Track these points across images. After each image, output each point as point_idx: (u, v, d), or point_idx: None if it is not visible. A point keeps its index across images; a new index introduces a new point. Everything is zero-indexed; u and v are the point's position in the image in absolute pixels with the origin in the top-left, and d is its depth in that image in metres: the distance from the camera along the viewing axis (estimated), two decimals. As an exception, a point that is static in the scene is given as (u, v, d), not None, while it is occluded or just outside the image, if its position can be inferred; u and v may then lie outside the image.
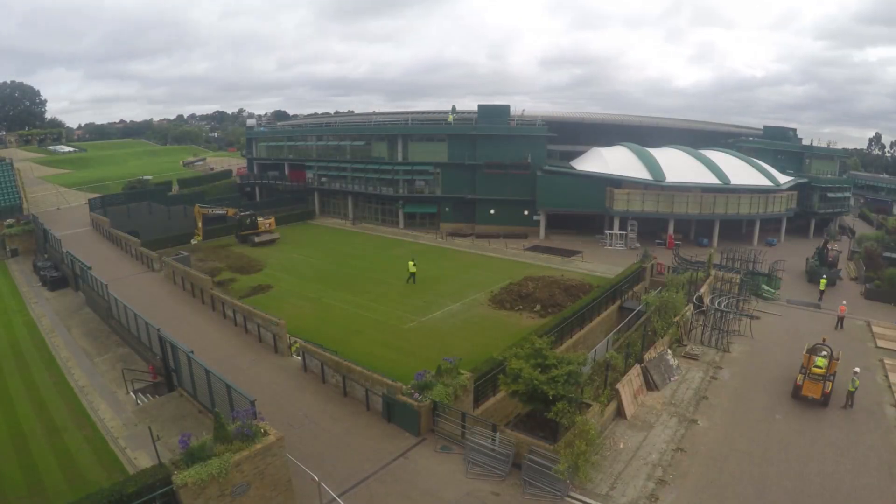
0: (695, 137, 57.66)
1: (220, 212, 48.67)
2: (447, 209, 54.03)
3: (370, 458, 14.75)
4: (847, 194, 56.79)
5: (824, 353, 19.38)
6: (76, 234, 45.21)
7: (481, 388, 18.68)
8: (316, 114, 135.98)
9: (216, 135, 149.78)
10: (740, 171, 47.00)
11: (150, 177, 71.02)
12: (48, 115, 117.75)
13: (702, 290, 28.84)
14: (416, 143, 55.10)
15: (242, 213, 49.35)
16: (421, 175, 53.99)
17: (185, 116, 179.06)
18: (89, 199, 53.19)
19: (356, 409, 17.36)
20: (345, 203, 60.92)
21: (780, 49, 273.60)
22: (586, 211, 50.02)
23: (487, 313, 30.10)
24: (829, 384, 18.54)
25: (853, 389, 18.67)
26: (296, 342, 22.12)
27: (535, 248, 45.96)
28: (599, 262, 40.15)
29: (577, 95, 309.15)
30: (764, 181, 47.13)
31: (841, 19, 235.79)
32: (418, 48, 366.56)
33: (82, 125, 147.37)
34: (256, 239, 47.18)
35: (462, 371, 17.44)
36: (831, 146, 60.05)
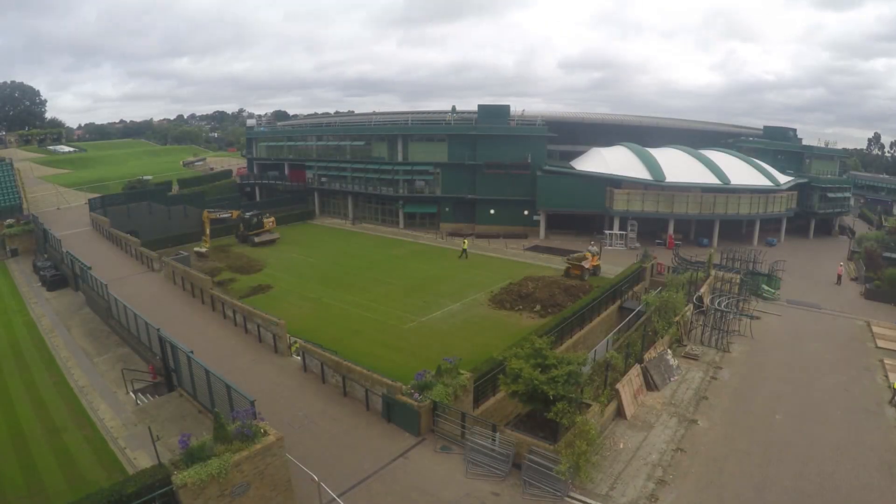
0: (695, 137, 57.66)
1: (226, 215, 48.52)
2: (447, 209, 54.04)
3: (370, 458, 14.73)
4: (847, 194, 56.79)
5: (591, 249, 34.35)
6: (76, 234, 45.18)
7: (481, 388, 18.67)
8: (316, 114, 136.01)
9: (216, 135, 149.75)
10: (740, 171, 47.01)
11: (150, 177, 71.00)
12: (73, 114, 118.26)
13: (702, 290, 28.83)
14: (416, 143, 55.12)
15: (252, 214, 49.26)
16: (421, 175, 53.99)
17: (186, 116, 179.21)
18: (89, 199, 53.12)
19: (356, 410, 17.34)
20: (345, 203, 60.92)
21: (794, 58, 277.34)
22: (586, 211, 50.03)
23: (487, 313, 30.09)
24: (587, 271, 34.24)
25: None
26: (296, 342, 22.10)
27: (535, 248, 45.95)
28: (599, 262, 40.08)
29: (591, 97, 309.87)
30: (764, 181, 47.13)
31: (855, 34, 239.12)
32: (457, 52, 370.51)
33: (82, 125, 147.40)
34: (256, 239, 47.19)
35: (462, 371, 17.42)
36: (830, 146, 60.11)
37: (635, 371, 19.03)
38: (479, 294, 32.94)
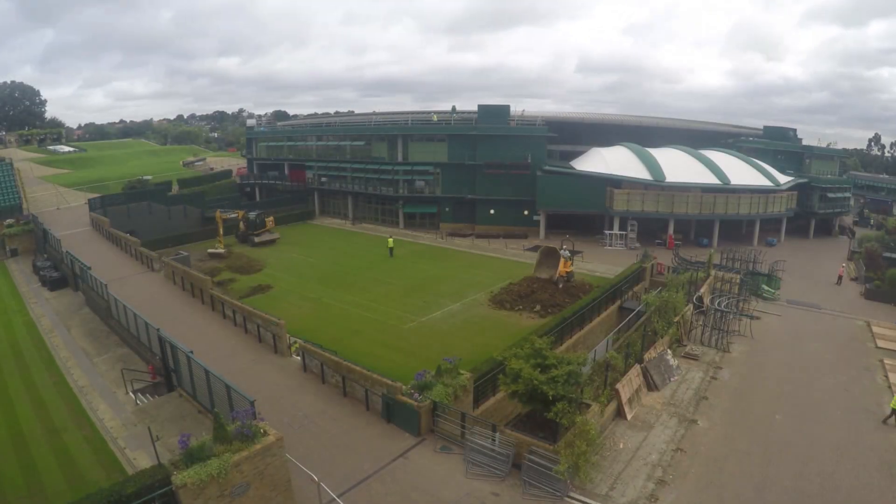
0: (695, 137, 57.65)
1: (233, 215, 48.58)
2: (447, 209, 54.02)
3: (370, 458, 14.73)
4: (847, 194, 56.80)
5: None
6: (76, 234, 45.17)
7: (481, 389, 18.66)
8: (316, 114, 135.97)
9: (216, 135, 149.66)
10: (740, 172, 47.02)
11: (150, 177, 70.95)
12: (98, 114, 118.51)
13: (702, 291, 28.83)
14: (416, 143, 55.11)
15: (258, 213, 49.22)
16: (421, 175, 53.98)
17: (185, 116, 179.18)
18: (89, 199, 53.09)
19: (356, 410, 17.34)
20: (345, 203, 60.91)
21: (803, 65, 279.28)
22: (586, 211, 50.01)
23: (487, 313, 30.08)
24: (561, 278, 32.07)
25: None
26: (295, 342, 22.10)
27: (536, 248, 45.87)
28: (599, 262, 40.13)
29: (601, 99, 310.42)
30: (764, 181, 47.14)
31: (861, 46, 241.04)
32: (492, 56, 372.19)
33: (82, 125, 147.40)
34: (256, 239, 47.16)
35: (462, 371, 17.42)
36: (830, 146, 60.12)
37: (635, 371, 19.03)
38: (479, 294, 32.93)
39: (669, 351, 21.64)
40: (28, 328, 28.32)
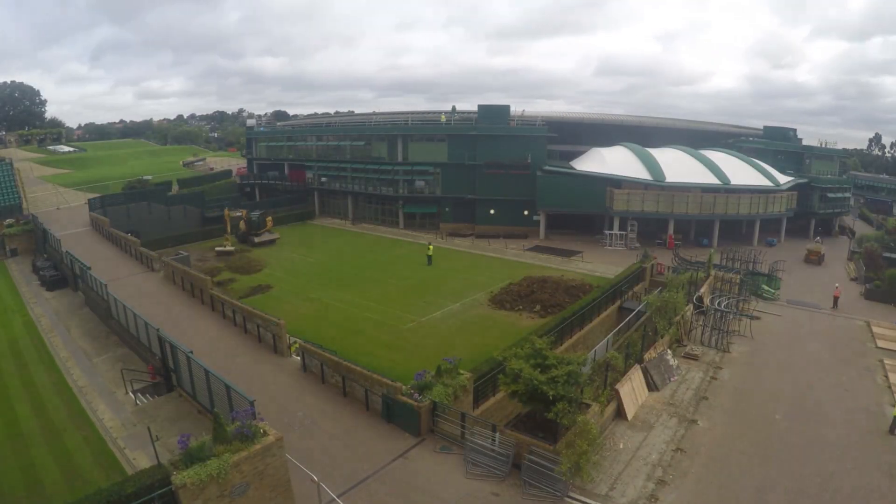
0: (695, 137, 57.66)
1: (238, 214, 48.70)
2: (447, 209, 54.01)
3: (370, 458, 14.72)
4: (847, 194, 56.77)
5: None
6: (76, 233, 45.13)
7: (481, 389, 18.66)
8: (316, 114, 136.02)
9: (216, 135, 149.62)
10: (740, 172, 47.02)
11: (150, 177, 70.97)
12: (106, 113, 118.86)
13: (702, 291, 28.82)
14: (416, 143, 55.10)
15: (261, 213, 49.28)
16: (421, 175, 53.98)
17: (186, 116, 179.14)
18: (89, 199, 53.03)
19: (356, 410, 17.33)
20: (345, 203, 60.90)
21: (811, 71, 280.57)
22: (586, 211, 49.99)
23: (487, 313, 30.07)
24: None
25: None
26: (295, 342, 22.08)
27: (535, 249, 45.94)
28: (599, 262, 40.15)
29: (612, 100, 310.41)
30: (764, 181, 47.13)
31: (872, 56, 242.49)
32: (523, 59, 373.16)
33: (82, 125, 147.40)
34: (256, 239, 47.16)
35: (462, 371, 17.42)
36: (830, 146, 60.04)
37: (635, 371, 19.02)
38: (479, 294, 32.92)
39: (669, 351, 21.63)
40: (28, 328, 28.30)
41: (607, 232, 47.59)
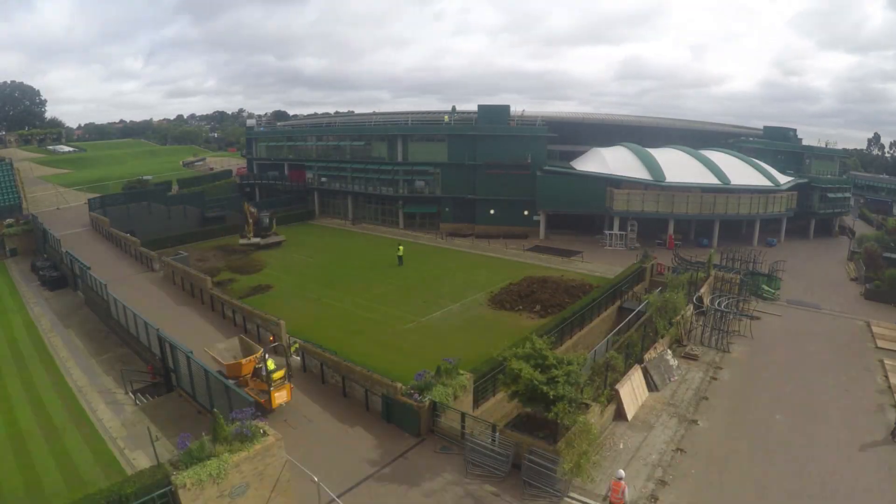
0: (695, 137, 57.61)
1: (254, 210, 48.75)
2: (447, 209, 53.97)
3: (370, 458, 14.72)
4: (847, 194, 56.70)
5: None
6: (76, 233, 45.13)
7: (481, 389, 18.66)
8: (316, 114, 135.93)
9: (216, 135, 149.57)
10: (740, 172, 46.99)
11: (149, 177, 70.97)
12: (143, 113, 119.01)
13: (702, 291, 28.81)
14: (416, 143, 55.09)
15: (270, 213, 49.25)
16: (421, 175, 53.97)
17: (186, 116, 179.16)
18: (89, 199, 53.03)
19: (356, 410, 17.32)
20: (345, 203, 60.88)
21: (818, 75, 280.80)
22: (586, 211, 49.98)
23: (487, 313, 30.06)
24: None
25: None
26: (295, 342, 22.04)
27: (535, 249, 45.92)
28: (599, 263, 40.13)
29: (624, 102, 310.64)
30: (764, 181, 47.11)
31: (873, 68, 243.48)
32: (552, 63, 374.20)
33: (82, 125, 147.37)
34: (262, 241, 46.97)
35: (462, 371, 17.41)
36: (830, 146, 60.05)
37: (635, 371, 19.01)
38: (479, 294, 32.91)
39: (669, 351, 21.63)
40: (27, 328, 28.29)
41: (607, 232, 47.57)
